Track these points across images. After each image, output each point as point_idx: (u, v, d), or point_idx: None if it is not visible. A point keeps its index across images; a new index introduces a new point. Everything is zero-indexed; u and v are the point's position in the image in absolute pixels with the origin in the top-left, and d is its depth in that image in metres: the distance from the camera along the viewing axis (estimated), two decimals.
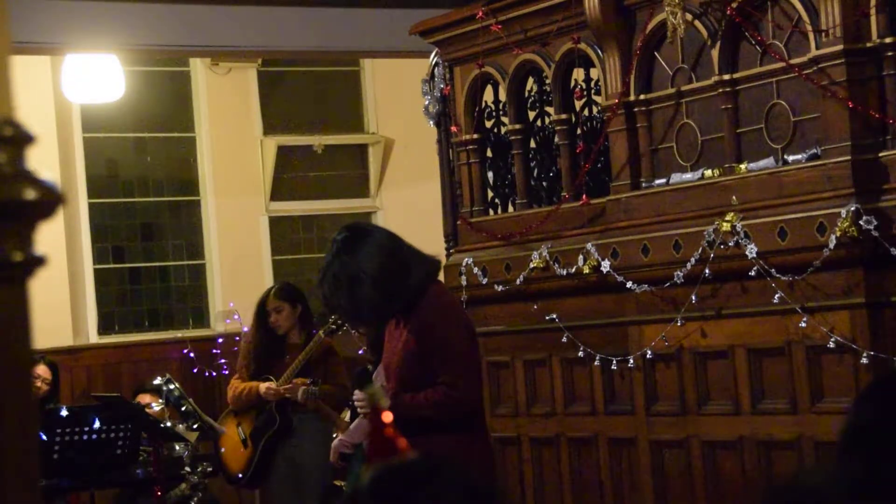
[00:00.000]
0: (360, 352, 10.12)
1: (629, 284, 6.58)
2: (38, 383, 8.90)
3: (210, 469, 8.61)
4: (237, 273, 11.78)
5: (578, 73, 7.18)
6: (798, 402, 6.06)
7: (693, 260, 6.24)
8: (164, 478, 8.07)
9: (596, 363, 6.87)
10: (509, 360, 7.38)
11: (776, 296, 5.98)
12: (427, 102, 7.88)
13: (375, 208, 12.32)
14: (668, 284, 6.38)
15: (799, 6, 6.00)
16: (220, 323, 11.71)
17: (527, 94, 7.44)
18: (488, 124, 7.62)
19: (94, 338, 11.31)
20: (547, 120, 7.39)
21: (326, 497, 7.96)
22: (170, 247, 11.80)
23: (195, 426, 8.33)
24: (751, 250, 6.01)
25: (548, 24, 7.06)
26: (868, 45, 5.82)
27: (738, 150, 6.31)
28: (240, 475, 8.32)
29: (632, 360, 6.68)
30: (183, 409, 8.38)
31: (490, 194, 7.66)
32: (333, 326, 7.90)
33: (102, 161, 11.58)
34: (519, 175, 7.41)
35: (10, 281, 1.82)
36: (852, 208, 5.68)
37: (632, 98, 6.70)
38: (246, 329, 11.00)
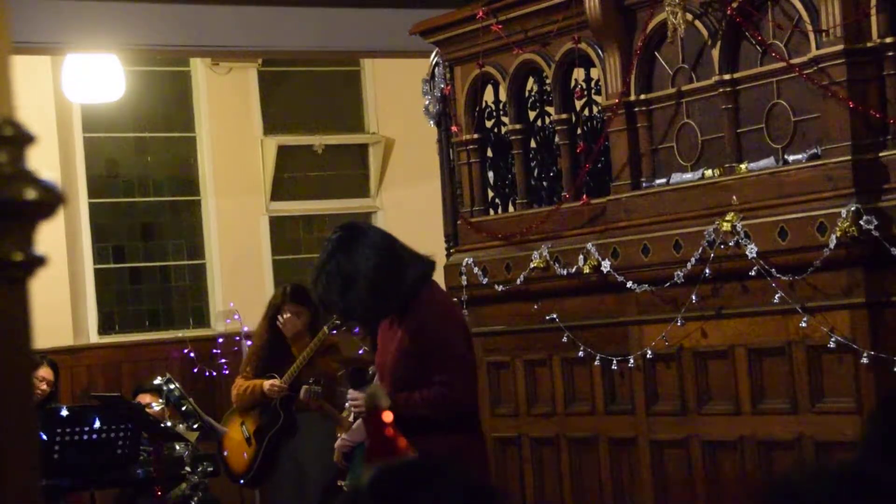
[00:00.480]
0: (360, 352, 10.14)
1: (629, 284, 6.57)
2: (43, 385, 8.88)
3: (210, 469, 8.61)
4: (237, 273, 11.78)
5: (579, 73, 7.18)
6: (798, 402, 6.06)
7: (693, 260, 6.24)
8: (164, 478, 8.07)
9: (596, 363, 6.87)
10: (509, 360, 7.38)
11: (776, 296, 5.98)
12: (427, 102, 7.88)
13: (375, 208, 12.32)
14: (668, 284, 6.38)
15: (799, 6, 5.99)
16: (220, 323, 11.71)
17: (527, 93, 7.44)
18: (489, 124, 7.62)
19: (94, 338, 11.31)
20: (547, 120, 7.39)
21: (327, 497, 7.96)
22: (170, 247, 11.80)
23: (195, 426, 8.33)
24: (751, 250, 6.01)
25: (548, 24, 7.06)
26: (868, 45, 5.82)
27: (738, 150, 6.31)
28: (243, 473, 8.32)
29: (632, 360, 6.68)
30: (183, 408, 8.38)
31: (490, 194, 7.66)
32: (338, 322, 7.88)
33: (103, 161, 11.58)
34: (519, 175, 7.41)
35: (11, 281, 1.81)
36: (853, 208, 5.67)
37: (632, 98, 6.69)
38: (247, 329, 11.02)
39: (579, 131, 7.20)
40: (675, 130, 6.60)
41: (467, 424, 5.21)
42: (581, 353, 6.90)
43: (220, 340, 11.34)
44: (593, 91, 7.17)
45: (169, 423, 8.27)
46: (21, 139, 1.81)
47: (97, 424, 7.93)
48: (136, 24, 9.04)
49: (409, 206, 11.71)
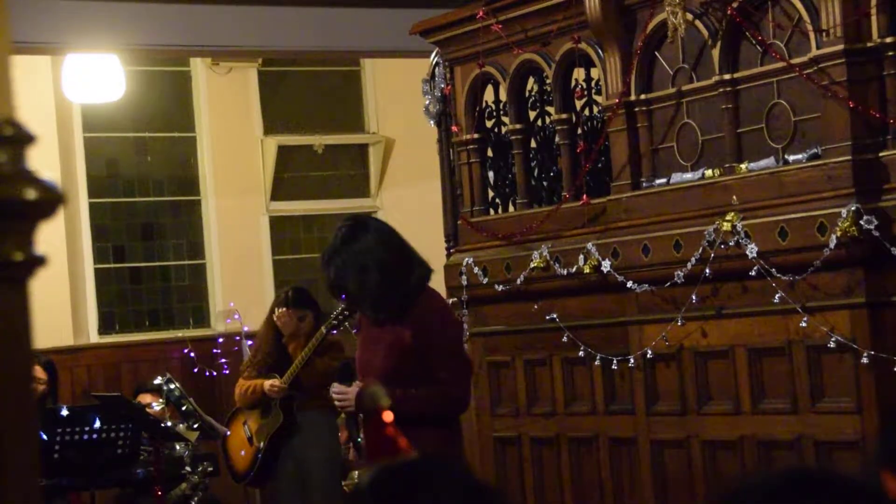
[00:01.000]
0: None
1: (630, 284, 6.57)
2: (39, 385, 8.88)
3: (210, 469, 8.61)
4: (237, 273, 11.78)
5: (579, 73, 7.18)
6: (798, 402, 6.06)
7: (693, 260, 6.24)
8: (164, 478, 8.07)
9: (596, 363, 6.87)
10: (509, 360, 7.38)
11: (776, 296, 5.97)
12: (427, 102, 7.87)
13: (376, 208, 12.32)
14: (668, 284, 6.38)
15: (799, 6, 5.99)
16: (220, 323, 11.71)
17: (527, 93, 7.44)
18: (489, 124, 7.62)
19: (94, 337, 11.31)
20: (547, 120, 7.39)
21: (329, 496, 7.97)
22: (170, 246, 11.80)
23: (195, 426, 8.34)
24: (751, 250, 6.01)
25: (548, 24, 7.06)
26: (869, 44, 5.81)
27: (738, 149, 6.31)
28: (245, 473, 8.33)
29: (632, 360, 6.68)
30: (183, 408, 8.39)
31: (490, 194, 7.65)
32: (335, 322, 7.89)
33: (103, 161, 11.58)
34: (519, 175, 7.41)
35: (11, 281, 1.81)
36: (853, 208, 5.67)
37: (632, 98, 6.69)
38: (247, 329, 11.02)
39: (579, 131, 7.19)
40: (675, 130, 6.60)
41: (453, 419, 5.44)
42: (581, 353, 6.90)
43: (220, 340, 11.34)
44: (593, 91, 7.17)
45: (169, 423, 8.27)
46: (21, 139, 1.81)
47: (97, 424, 7.93)
48: (136, 24, 9.04)
49: (409, 206, 11.71)
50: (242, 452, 8.33)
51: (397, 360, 5.27)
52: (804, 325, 5.93)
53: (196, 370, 11.15)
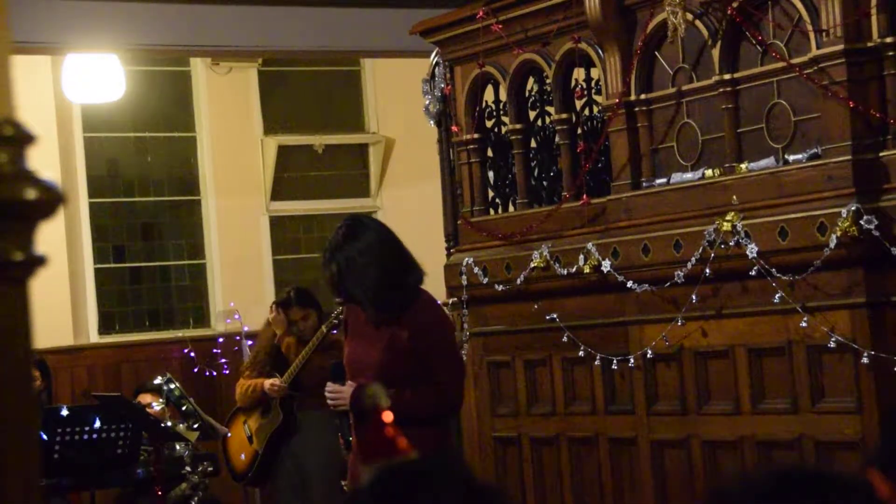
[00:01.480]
0: None
1: (630, 284, 6.57)
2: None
3: (210, 469, 8.61)
4: (237, 273, 11.78)
5: (579, 73, 7.18)
6: (798, 402, 6.06)
7: (693, 260, 6.24)
8: (164, 478, 8.07)
9: (596, 363, 6.87)
10: (509, 359, 7.38)
11: (777, 295, 5.97)
12: (427, 102, 7.87)
13: (376, 208, 12.32)
14: (668, 284, 6.38)
15: (800, 6, 5.99)
16: (220, 323, 11.71)
17: (527, 93, 7.44)
18: (489, 124, 7.62)
19: (94, 337, 11.30)
20: (547, 119, 7.39)
21: (328, 496, 7.97)
22: (170, 246, 11.80)
23: (195, 426, 8.33)
24: (751, 250, 6.01)
25: (548, 24, 7.06)
26: (869, 44, 5.81)
27: (738, 149, 6.31)
28: (244, 472, 8.33)
29: (632, 360, 6.68)
30: (183, 408, 8.39)
31: (490, 194, 7.65)
32: (335, 321, 7.90)
33: (103, 161, 11.58)
34: (519, 175, 7.41)
35: (11, 281, 1.81)
36: (853, 208, 5.67)
37: (632, 98, 6.69)
38: (247, 329, 11.03)
39: (579, 131, 7.19)
40: (675, 130, 6.60)
41: (447, 419, 5.53)
42: (581, 353, 6.89)
43: (220, 340, 11.34)
44: (593, 91, 7.17)
45: (169, 423, 8.27)
46: (21, 139, 1.81)
47: (97, 424, 7.94)
48: (136, 24, 9.04)
49: (409, 206, 11.71)
50: (242, 452, 8.34)
51: (394, 360, 5.32)
52: (804, 325, 5.93)
53: (196, 370, 11.15)
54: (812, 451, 6.01)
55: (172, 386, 8.45)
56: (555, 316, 7.03)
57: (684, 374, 6.52)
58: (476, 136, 7.56)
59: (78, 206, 11.26)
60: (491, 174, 7.64)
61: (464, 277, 7.43)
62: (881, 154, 5.78)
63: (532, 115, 7.42)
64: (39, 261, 1.84)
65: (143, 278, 11.69)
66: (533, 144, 7.46)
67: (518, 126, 7.39)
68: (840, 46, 5.80)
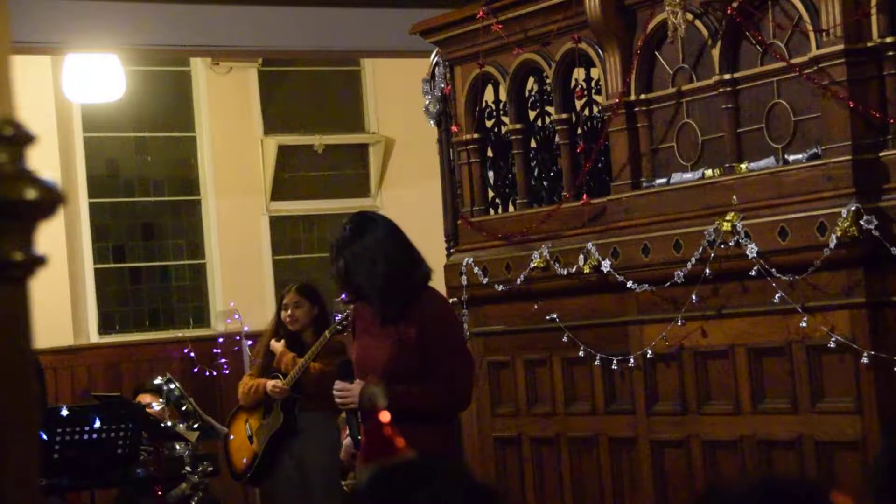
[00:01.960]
0: None
1: (629, 284, 6.57)
2: None
3: (210, 469, 8.61)
4: (238, 273, 11.78)
5: (579, 73, 7.18)
6: (798, 402, 6.06)
7: (693, 260, 6.24)
8: (164, 478, 8.07)
9: (596, 363, 6.87)
10: (509, 359, 7.38)
11: (776, 295, 5.97)
12: (427, 102, 7.87)
13: (376, 208, 12.31)
14: (668, 284, 6.38)
15: (800, 6, 5.99)
16: (220, 323, 11.71)
17: (527, 93, 7.44)
18: (489, 124, 7.62)
19: (94, 337, 11.30)
20: (547, 119, 7.39)
21: (329, 496, 7.96)
22: (170, 246, 11.80)
23: (195, 426, 8.33)
24: (751, 250, 6.01)
25: (548, 24, 7.06)
26: (869, 44, 5.81)
27: (738, 149, 6.31)
28: (244, 472, 8.33)
29: (632, 360, 6.68)
30: (183, 408, 8.39)
31: (490, 194, 7.65)
32: (339, 327, 7.90)
33: (103, 161, 11.58)
34: (519, 175, 7.41)
35: (11, 281, 1.81)
36: (853, 208, 5.67)
37: (632, 98, 6.69)
38: (247, 329, 11.03)
39: (579, 131, 7.19)
40: (675, 130, 6.60)
41: (451, 417, 5.52)
42: (581, 353, 6.90)
43: (220, 340, 11.33)
44: (593, 91, 7.17)
45: (169, 423, 8.27)
46: (21, 139, 1.81)
47: (97, 424, 7.93)
48: (136, 24, 9.04)
49: (409, 206, 11.70)
50: (242, 451, 8.34)
51: (402, 356, 5.29)
52: (804, 325, 5.93)
53: (196, 370, 11.15)
54: (812, 451, 6.01)
55: (172, 386, 8.45)
56: (555, 316, 7.03)
57: (684, 374, 6.52)
58: (476, 136, 7.56)
59: (78, 205, 11.25)
60: (491, 174, 7.64)
61: (464, 277, 7.43)
62: (881, 154, 5.78)
63: (532, 115, 7.42)
64: (39, 261, 1.84)
65: (143, 278, 11.69)
66: (533, 144, 7.46)
67: (518, 126, 7.39)
68: (840, 46, 5.80)
